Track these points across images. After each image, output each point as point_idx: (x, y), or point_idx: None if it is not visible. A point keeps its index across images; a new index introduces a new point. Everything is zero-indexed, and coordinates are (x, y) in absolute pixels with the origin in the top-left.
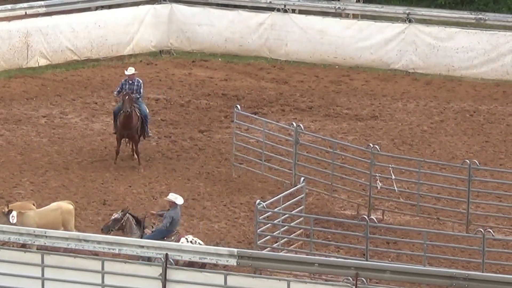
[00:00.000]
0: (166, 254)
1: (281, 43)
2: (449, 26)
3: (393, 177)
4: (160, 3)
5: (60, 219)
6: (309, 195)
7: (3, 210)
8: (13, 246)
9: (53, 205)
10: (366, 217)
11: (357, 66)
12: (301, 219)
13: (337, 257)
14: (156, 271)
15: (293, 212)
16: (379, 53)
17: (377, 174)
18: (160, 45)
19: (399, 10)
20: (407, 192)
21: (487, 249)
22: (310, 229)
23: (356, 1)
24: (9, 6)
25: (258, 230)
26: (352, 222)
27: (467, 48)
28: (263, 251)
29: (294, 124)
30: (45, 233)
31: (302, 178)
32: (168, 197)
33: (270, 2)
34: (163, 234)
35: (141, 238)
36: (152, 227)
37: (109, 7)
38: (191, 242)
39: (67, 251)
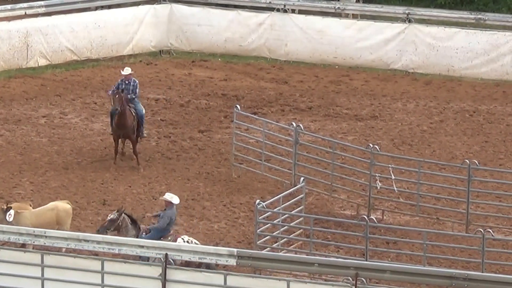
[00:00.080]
0: (166, 254)
1: (280, 43)
2: (448, 26)
3: (393, 177)
4: (160, 3)
5: (54, 219)
6: (309, 195)
7: (2, 207)
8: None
9: (50, 205)
10: (366, 217)
11: (356, 66)
12: (301, 219)
13: (337, 257)
14: (156, 271)
15: (293, 212)
16: (378, 53)
17: (376, 174)
18: (159, 45)
19: (399, 10)
20: (407, 192)
21: (487, 249)
22: (310, 229)
23: (356, 1)
24: (8, 6)
25: (258, 230)
26: (352, 222)
27: (466, 48)
28: (263, 251)
29: (294, 124)
30: (45, 233)
31: (302, 178)
32: (164, 196)
33: (270, 2)
34: (161, 233)
35: (136, 237)
36: (149, 225)
37: (109, 7)
38: (187, 242)
39: (67, 251)
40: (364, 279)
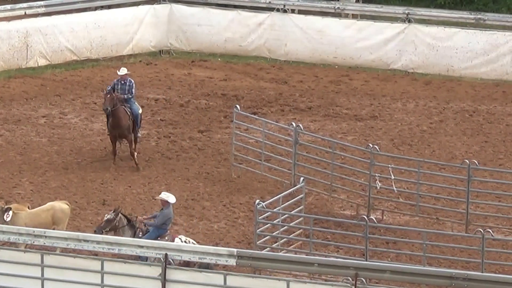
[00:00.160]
0: (166, 254)
1: (280, 43)
2: (448, 26)
3: (393, 177)
4: (160, 3)
5: (50, 220)
6: (309, 195)
7: (2, 206)
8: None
9: (47, 205)
10: (365, 217)
11: (356, 66)
12: (301, 219)
13: (337, 257)
14: (156, 271)
15: (292, 212)
16: (378, 53)
17: (376, 174)
18: (159, 45)
19: (399, 10)
20: (406, 192)
21: (487, 249)
22: (310, 229)
23: (356, 1)
24: (8, 6)
25: (258, 230)
26: (352, 222)
27: (466, 48)
28: (263, 251)
29: (294, 124)
30: (45, 233)
31: (302, 178)
32: (160, 196)
33: (270, 2)
34: (158, 232)
35: (132, 237)
36: (145, 225)
37: (109, 7)
38: (184, 242)
39: (66, 251)
40: (363, 279)
